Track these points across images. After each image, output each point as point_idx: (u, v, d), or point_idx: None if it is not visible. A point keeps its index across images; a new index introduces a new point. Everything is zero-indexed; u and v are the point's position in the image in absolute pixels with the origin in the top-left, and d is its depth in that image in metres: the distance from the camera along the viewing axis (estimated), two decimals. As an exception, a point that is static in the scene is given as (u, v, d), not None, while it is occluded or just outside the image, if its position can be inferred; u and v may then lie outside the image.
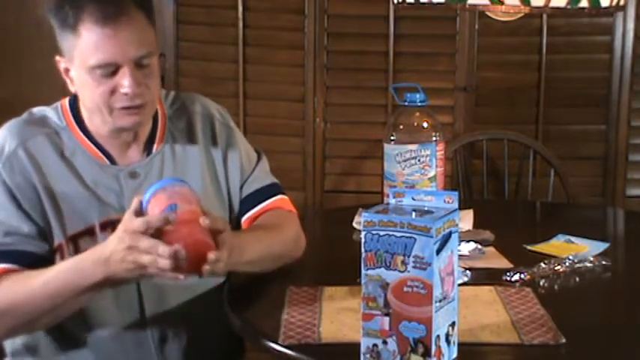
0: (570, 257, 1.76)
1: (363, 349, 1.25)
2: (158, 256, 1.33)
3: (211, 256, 1.34)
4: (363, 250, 1.23)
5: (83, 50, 1.49)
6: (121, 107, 1.52)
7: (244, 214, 1.71)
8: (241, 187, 1.72)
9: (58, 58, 1.57)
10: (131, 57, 1.50)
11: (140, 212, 1.39)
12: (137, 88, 1.51)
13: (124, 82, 1.50)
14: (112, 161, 1.61)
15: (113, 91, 1.51)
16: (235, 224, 1.71)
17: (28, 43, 3.31)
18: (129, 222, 1.37)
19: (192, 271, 1.36)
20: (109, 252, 1.38)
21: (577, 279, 1.71)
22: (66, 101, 1.64)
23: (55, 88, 1.68)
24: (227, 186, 1.70)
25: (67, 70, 1.56)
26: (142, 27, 1.52)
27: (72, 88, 1.58)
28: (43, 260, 1.51)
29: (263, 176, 1.76)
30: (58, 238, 1.54)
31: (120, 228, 1.38)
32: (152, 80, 1.55)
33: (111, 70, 1.49)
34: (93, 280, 1.42)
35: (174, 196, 1.40)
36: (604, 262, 1.76)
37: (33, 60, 3.24)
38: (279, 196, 1.75)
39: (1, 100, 3.27)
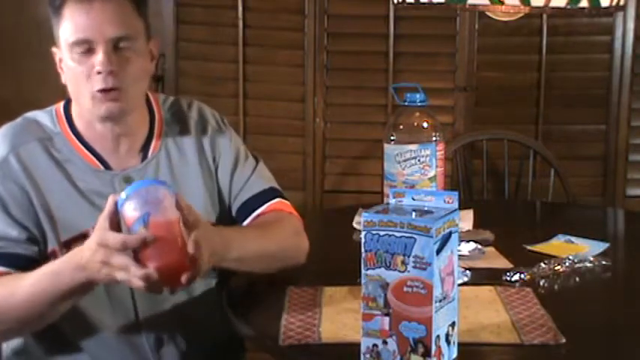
0: (570, 257, 1.76)
1: (363, 349, 1.25)
2: (131, 275, 1.32)
3: (183, 278, 1.32)
4: (363, 250, 1.23)
5: (64, 30, 1.51)
6: (97, 90, 1.51)
7: (244, 220, 1.67)
8: (238, 194, 1.69)
9: (54, 49, 1.58)
10: (106, 36, 1.49)
11: (115, 214, 1.35)
12: (109, 67, 1.49)
13: (97, 59, 1.49)
14: (107, 166, 1.59)
15: (90, 73, 1.50)
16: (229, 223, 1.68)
17: (28, 44, 3.31)
18: (103, 234, 1.34)
19: (168, 287, 1.36)
20: (85, 261, 1.36)
21: (577, 279, 1.71)
22: (60, 106, 1.64)
23: (55, 88, 1.68)
24: (217, 186, 1.68)
25: (61, 61, 1.57)
26: (123, 10, 1.52)
27: (63, 79, 1.58)
28: (34, 262, 1.50)
29: (261, 181, 1.71)
30: (52, 244, 1.54)
31: (94, 237, 1.35)
32: (131, 67, 1.53)
33: (87, 48, 1.50)
34: (75, 284, 1.40)
35: (149, 203, 1.34)
36: (604, 262, 1.76)
37: (33, 60, 3.23)
38: (277, 199, 1.70)
39: (1, 100, 3.27)
